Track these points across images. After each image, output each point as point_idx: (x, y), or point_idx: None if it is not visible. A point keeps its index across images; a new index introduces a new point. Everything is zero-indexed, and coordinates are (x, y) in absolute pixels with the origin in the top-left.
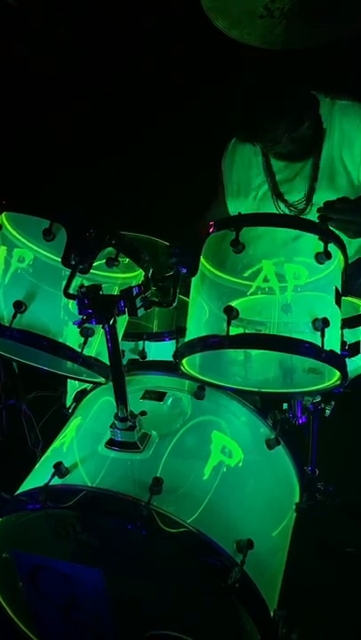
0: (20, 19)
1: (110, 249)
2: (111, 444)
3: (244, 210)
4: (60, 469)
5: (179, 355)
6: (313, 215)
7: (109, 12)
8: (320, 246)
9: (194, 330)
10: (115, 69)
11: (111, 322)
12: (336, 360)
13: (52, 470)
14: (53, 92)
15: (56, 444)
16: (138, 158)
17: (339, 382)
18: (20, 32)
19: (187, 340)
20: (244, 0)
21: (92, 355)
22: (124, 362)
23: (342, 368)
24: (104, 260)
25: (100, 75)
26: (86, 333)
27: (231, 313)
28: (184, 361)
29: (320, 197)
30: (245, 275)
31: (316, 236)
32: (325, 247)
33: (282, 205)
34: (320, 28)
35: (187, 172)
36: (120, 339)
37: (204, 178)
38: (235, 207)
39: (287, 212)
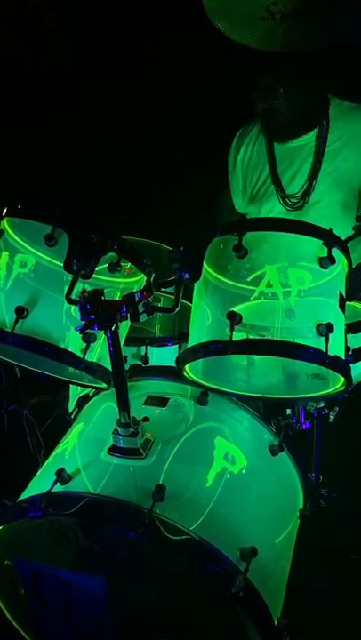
0: (19, 19)
1: (112, 254)
2: (114, 450)
3: (249, 206)
4: (62, 476)
5: (181, 360)
6: (308, 210)
7: (109, 10)
8: (324, 251)
9: (197, 335)
10: (114, 69)
11: (113, 327)
12: (341, 365)
13: (55, 477)
14: (53, 91)
15: (58, 450)
16: (139, 160)
17: (343, 388)
18: (19, 32)
19: (189, 345)
20: (245, 2)
21: (94, 360)
22: (127, 367)
23: (347, 373)
24: (106, 265)
25: (99, 74)
26: (88, 339)
27: (234, 318)
28: (187, 366)
29: (318, 193)
30: (248, 279)
31: (320, 241)
32: (329, 252)
33: (279, 198)
34: (321, 31)
35: (189, 174)
36: (122, 344)
37: (205, 179)
38: (239, 204)
39: (283, 204)
